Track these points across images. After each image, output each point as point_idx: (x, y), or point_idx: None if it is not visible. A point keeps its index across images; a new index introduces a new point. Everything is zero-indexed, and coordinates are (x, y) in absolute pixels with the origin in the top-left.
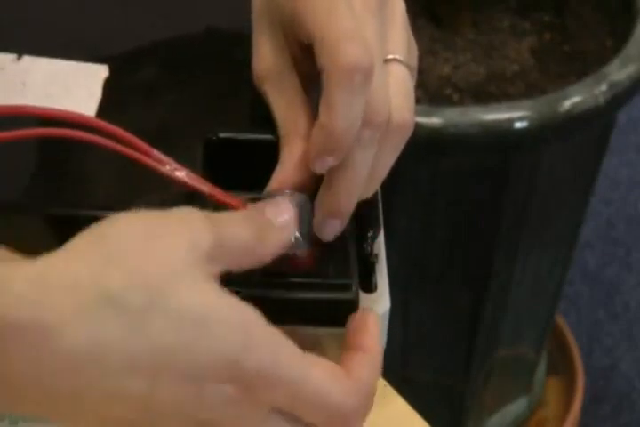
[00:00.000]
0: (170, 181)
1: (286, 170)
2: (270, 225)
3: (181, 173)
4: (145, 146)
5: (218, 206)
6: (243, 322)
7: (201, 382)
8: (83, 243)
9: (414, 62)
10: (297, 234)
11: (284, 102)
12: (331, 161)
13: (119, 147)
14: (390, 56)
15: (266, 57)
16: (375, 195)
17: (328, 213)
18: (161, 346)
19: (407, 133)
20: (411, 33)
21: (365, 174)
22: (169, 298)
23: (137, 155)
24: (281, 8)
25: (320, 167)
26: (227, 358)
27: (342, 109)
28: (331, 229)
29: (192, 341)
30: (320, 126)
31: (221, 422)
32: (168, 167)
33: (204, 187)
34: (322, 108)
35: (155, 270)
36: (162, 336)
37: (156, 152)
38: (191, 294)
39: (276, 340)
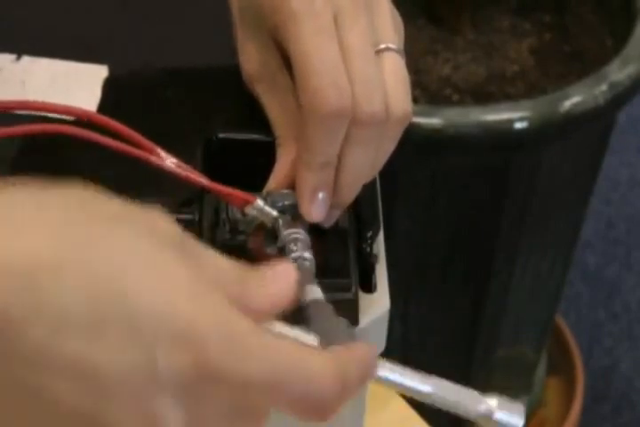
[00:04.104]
0: (169, 181)
1: (283, 170)
2: None
3: (183, 170)
4: (148, 143)
5: (219, 202)
6: None
7: None
8: None
9: (402, 42)
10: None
11: (277, 102)
12: (324, 196)
13: (121, 144)
14: (382, 46)
15: (253, 57)
16: (375, 195)
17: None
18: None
19: (406, 122)
20: (395, 12)
21: (368, 170)
22: None
23: (139, 152)
24: (266, 15)
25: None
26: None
27: (319, 148)
28: (332, 217)
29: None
30: (300, 163)
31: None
32: (170, 163)
33: (205, 181)
34: (300, 145)
35: None
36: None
37: (159, 149)
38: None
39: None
